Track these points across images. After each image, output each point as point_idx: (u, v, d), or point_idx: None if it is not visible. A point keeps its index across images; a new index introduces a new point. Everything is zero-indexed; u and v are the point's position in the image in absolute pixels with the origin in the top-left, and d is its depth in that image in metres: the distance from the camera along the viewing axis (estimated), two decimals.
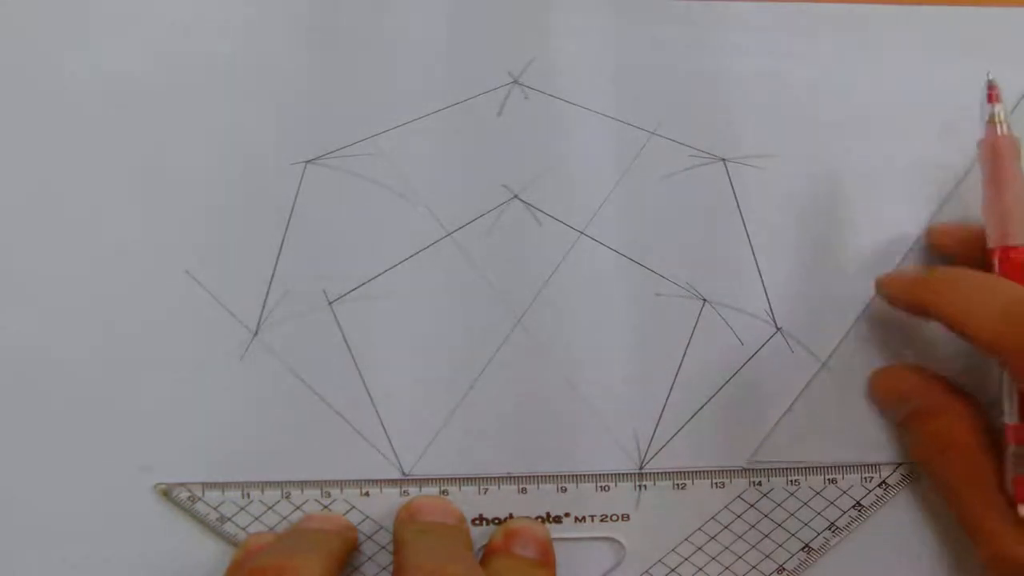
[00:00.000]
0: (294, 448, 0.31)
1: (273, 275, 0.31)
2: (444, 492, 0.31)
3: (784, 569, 0.31)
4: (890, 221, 0.32)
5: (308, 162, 0.32)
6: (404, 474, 0.31)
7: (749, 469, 0.31)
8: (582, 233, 0.32)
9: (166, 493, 0.30)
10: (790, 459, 0.31)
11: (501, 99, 0.33)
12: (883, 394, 0.31)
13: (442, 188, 0.32)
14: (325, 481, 0.30)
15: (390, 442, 0.31)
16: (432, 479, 0.31)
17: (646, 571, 0.31)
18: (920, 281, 0.29)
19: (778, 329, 0.32)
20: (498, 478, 0.31)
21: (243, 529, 0.30)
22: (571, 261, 0.32)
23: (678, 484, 0.31)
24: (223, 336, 0.31)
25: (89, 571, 0.30)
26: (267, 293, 0.31)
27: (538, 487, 0.31)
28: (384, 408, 0.31)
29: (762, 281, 0.32)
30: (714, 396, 0.31)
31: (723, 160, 0.33)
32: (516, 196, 0.32)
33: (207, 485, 0.30)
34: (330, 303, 0.31)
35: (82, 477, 0.30)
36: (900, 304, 0.30)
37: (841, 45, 0.33)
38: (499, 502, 0.31)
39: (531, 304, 0.31)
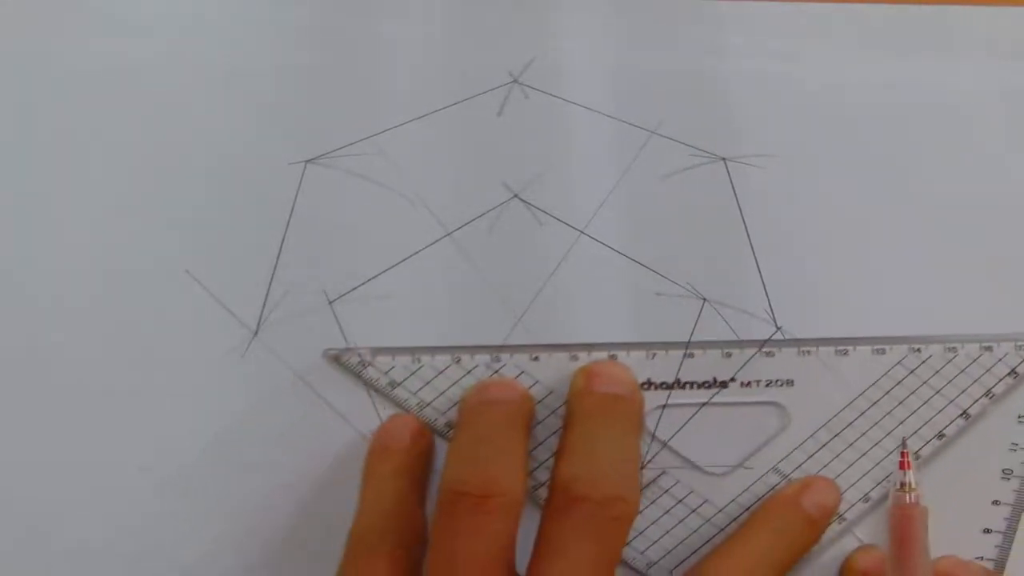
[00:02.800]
0: (294, 448, 0.30)
1: (273, 275, 0.31)
2: (613, 356, 0.31)
3: (944, 435, 0.31)
4: (890, 221, 0.32)
5: (308, 162, 0.32)
6: None
7: (909, 336, 0.31)
8: (582, 233, 0.32)
9: (337, 359, 0.30)
10: None
11: (501, 99, 0.33)
12: None
13: (442, 188, 0.32)
14: (496, 346, 0.31)
15: None
16: (601, 344, 0.31)
17: (811, 435, 0.31)
18: None
19: (778, 329, 0.32)
20: (666, 344, 0.31)
21: (414, 394, 0.30)
22: (571, 261, 0.32)
23: (840, 351, 0.31)
24: (223, 336, 0.31)
25: (88, 571, 0.30)
26: (267, 293, 0.31)
27: (704, 352, 0.31)
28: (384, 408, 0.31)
29: (762, 281, 0.32)
30: (713, 396, 0.31)
31: (723, 160, 0.33)
32: (516, 196, 0.32)
33: (377, 350, 0.30)
34: (330, 303, 0.31)
35: (82, 477, 0.30)
36: None
37: (841, 45, 0.33)
38: (667, 365, 0.31)
39: (531, 304, 0.31)
